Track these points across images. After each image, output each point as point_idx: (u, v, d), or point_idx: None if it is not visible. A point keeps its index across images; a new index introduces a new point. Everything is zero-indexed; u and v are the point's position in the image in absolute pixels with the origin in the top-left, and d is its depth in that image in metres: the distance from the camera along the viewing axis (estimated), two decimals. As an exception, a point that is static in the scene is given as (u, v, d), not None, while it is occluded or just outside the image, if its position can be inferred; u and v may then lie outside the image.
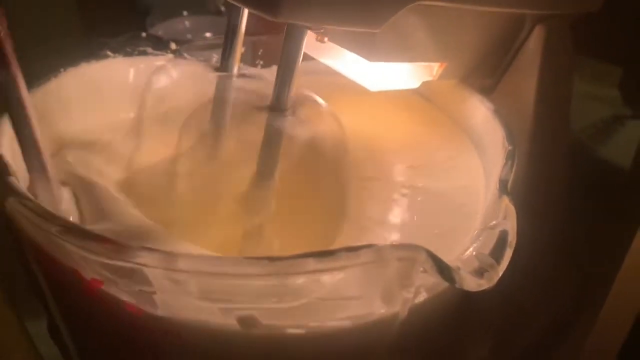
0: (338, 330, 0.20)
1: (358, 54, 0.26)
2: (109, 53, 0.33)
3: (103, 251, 0.17)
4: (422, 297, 0.21)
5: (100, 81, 0.31)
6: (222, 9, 0.55)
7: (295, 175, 0.26)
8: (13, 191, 0.20)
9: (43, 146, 0.22)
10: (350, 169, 0.27)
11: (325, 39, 0.28)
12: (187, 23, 0.54)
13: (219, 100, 0.28)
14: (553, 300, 0.36)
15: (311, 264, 0.17)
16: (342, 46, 0.27)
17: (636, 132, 0.46)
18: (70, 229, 0.18)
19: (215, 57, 0.35)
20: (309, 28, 0.23)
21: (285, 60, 0.23)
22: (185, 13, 0.55)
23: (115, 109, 0.32)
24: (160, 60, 0.34)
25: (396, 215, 0.26)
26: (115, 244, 0.17)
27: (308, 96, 0.26)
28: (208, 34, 0.47)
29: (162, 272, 0.17)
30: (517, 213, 0.21)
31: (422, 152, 0.30)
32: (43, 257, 0.20)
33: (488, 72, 0.32)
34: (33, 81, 0.28)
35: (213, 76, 0.29)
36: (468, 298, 0.25)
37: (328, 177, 0.28)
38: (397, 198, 0.27)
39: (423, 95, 0.35)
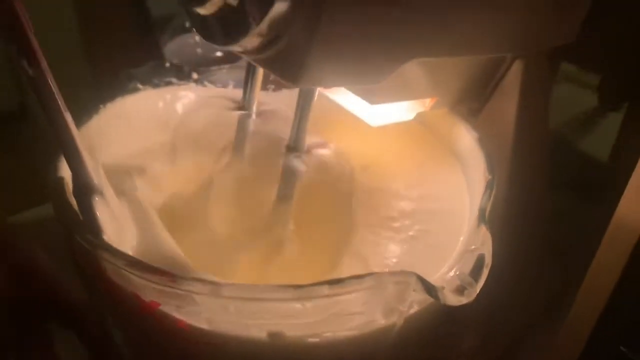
0: (347, 338, 0.24)
1: (360, 97, 0.30)
2: (139, 86, 0.37)
3: (160, 281, 0.22)
4: (415, 309, 0.26)
5: (134, 113, 0.36)
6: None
7: (307, 208, 0.31)
8: (82, 230, 0.25)
9: (79, 141, 0.24)
10: (357, 207, 0.31)
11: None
12: (197, 38, 0.57)
13: (240, 140, 0.32)
14: (537, 293, 0.41)
15: (326, 290, 0.22)
16: (346, 89, 0.31)
17: (614, 127, 0.51)
18: (133, 263, 0.23)
19: (232, 83, 0.40)
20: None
21: (300, 112, 0.27)
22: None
23: (149, 138, 0.35)
24: (184, 89, 0.38)
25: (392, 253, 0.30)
26: (171, 276, 0.22)
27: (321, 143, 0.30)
28: (218, 53, 0.52)
29: (208, 298, 0.22)
30: (499, 223, 0.26)
31: (421, 180, 0.34)
32: (108, 284, 0.25)
33: (475, 98, 0.37)
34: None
35: (234, 115, 0.33)
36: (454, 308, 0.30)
37: (337, 212, 0.31)
38: (392, 234, 0.31)
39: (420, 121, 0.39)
